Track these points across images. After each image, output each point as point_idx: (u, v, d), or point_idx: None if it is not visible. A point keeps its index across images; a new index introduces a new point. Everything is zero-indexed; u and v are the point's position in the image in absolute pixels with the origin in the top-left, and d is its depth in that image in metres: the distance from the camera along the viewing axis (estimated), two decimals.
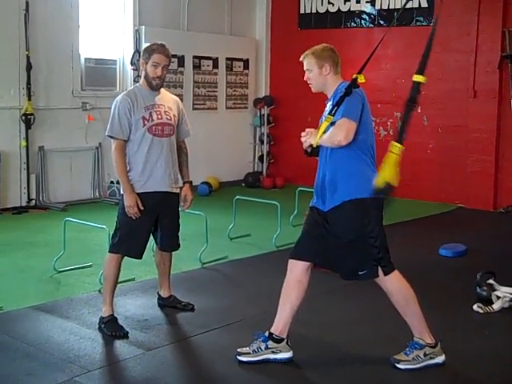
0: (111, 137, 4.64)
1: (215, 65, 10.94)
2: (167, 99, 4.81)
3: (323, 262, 4.16)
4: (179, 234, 4.97)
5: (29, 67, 8.63)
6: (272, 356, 4.12)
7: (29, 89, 8.65)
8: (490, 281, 5.38)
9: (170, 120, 4.75)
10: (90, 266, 6.10)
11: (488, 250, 7.14)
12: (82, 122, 9.34)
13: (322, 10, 11.02)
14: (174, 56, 9.32)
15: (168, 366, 4.13)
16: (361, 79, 3.90)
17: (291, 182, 10.87)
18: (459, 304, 5.30)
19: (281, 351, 4.13)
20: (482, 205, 9.47)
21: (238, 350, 4.15)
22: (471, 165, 9.69)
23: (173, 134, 4.77)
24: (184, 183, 4.93)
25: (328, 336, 4.61)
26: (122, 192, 4.68)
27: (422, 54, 4.08)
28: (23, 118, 8.68)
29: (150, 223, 4.74)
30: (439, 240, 7.21)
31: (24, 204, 8.83)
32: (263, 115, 11.52)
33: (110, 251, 4.72)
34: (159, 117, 4.69)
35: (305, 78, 4.15)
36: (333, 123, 3.90)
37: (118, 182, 8.74)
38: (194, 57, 10.59)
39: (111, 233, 4.83)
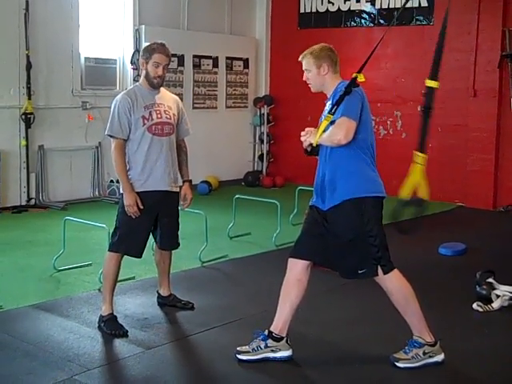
0: (111, 136, 4.64)
1: (215, 64, 10.95)
2: (167, 98, 4.82)
3: (323, 260, 4.16)
4: (179, 232, 4.97)
5: (29, 66, 8.63)
6: (271, 354, 4.12)
7: (29, 88, 8.65)
8: (490, 279, 5.39)
9: (170, 119, 4.75)
10: (89, 265, 6.11)
11: (488, 248, 7.14)
12: (82, 122, 9.34)
13: (322, 9, 11.02)
14: (174, 55, 9.32)
15: (168, 365, 4.13)
16: (361, 78, 3.90)
17: (291, 181, 10.87)
18: (459, 303, 5.31)
19: (280, 350, 4.13)
20: (482, 204, 9.47)
21: (238, 348, 4.15)
22: (471, 164, 9.69)
23: (172, 133, 4.77)
24: (184, 182, 4.93)
25: (328, 335, 4.61)
26: (121, 191, 4.69)
27: (433, 57, 4.05)
28: (23, 117, 8.68)
29: (150, 222, 4.75)
30: (439, 239, 7.21)
31: (24, 203, 8.83)
32: (263, 114, 11.52)
33: (109, 250, 4.72)
34: (159, 116, 4.69)
35: (304, 78, 4.15)
36: (332, 122, 3.90)
37: (117, 181, 8.73)
38: (194, 56, 10.59)
39: (111, 232, 4.83)
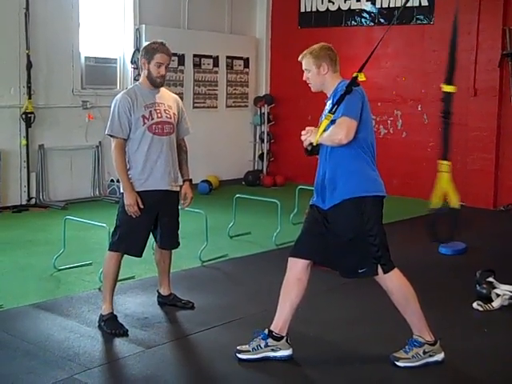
0: (111, 135, 4.64)
1: (215, 63, 10.94)
2: (167, 98, 4.82)
3: (323, 259, 4.16)
4: (179, 232, 4.97)
5: (29, 66, 8.63)
6: (272, 354, 4.12)
7: (29, 87, 8.65)
8: (490, 279, 5.39)
9: (170, 118, 4.75)
10: (89, 264, 6.11)
11: (488, 248, 7.14)
12: (82, 121, 9.34)
13: (322, 8, 11.02)
14: (175, 54, 9.32)
15: (168, 364, 4.14)
16: (361, 77, 3.90)
17: (291, 181, 10.87)
18: (459, 302, 5.31)
19: (280, 349, 4.13)
20: (482, 203, 9.47)
21: (238, 347, 4.15)
22: (471, 163, 9.68)
23: (173, 132, 4.77)
24: (184, 181, 4.93)
25: (328, 334, 4.61)
26: (121, 190, 4.69)
27: (447, 62, 4.06)
28: (23, 116, 8.68)
29: (150, 221, 4.75)
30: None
31: (24, 202, 8.83)
32: (263, 114, 11.52)
33: (109, 249, 4.72)
34: (159, 115, 4.69)
35: (304, 78, 4.15)
36: (333, 121, 3.90)
37: (118, 181, 8.73)
38: (195, 55, 10.59)
39: (111, 231, 4.83)
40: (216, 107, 11.06)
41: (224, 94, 11.16)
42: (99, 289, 5.33)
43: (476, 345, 4.47)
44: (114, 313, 4.67)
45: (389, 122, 10.42)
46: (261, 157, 11.75)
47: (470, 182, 9.67)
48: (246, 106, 11.58)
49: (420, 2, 9.94)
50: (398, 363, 4.05)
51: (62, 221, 6.03)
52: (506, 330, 4.82)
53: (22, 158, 8.81)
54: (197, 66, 10.65)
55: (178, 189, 4.87)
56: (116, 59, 9.87)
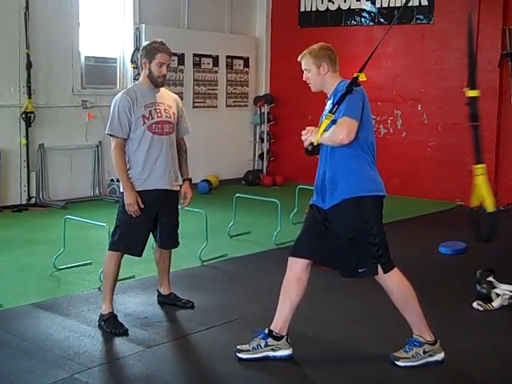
0: (111, 135, 4.64)
1: (215, 63, 10.95)
2: (166, 97, 4.82)
3: (323, 259, 4.16)
4: (179, 231, 4.97)
5: (29, 65, 8.64)
6: (272, 353, 4.12)
7: (29, 87, 8.66)
8: (490, 278, 5.39)
9: (170, 118, 4.75)
10: (89, 264, 6.11)
11: (488, 247, 7.08)
12: (82, 120, 9.35)
13: (322, 8, 11.02)
14: (175, 54, 9.30)
15: (168, 364, 4.13)
16: (362, 77, 3.89)
17: (291, 180, 10.87)
18: (459, 302, 5.31)
19: (280, 348, 4.13)
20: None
21: (238, 347, 4.15)
22: (471, 163, 9.64)
23: (172, 131, 4.77)
24: (183, 181, 4.93)
25: (328, 333, 4.61)
26: (121, 190, 4.69)
27: (467, 67, 4.08)
28: (23, 116, 8.68)
29: (150, 221, 4.75)
30: (439, 238, 7.21)
31: (24, 202, 8.84)
32: (263, 113, 11.53)
33: (109, 249, 4.72)
34: (159, 115, 4.69)
35: (303, 78, 4.15)
36: (334, 121, 3.89)
37: (117, 180, 8.72)
38: (195, 55, 10.59)
39: (111, 230, 4.83)
40: (216, 107, 11.07)
41: (224, 94, 11.16)
42: (99, 288, 5.33)
43: (476, 344, 4.47)
44: (114, 312, 4.67)
45: (389, 121, 10.43)
46: (261, 156, 11.75)
47: (469, 181, 9.62)
48: (246, 106, 11.58)
49: (420, 2, 9.95)
50: (398, 363, 4.05)
51: (62, 220, 6.03)
52: (506, 330, 4.82)
53: (22, 158, 8.81)
54: (197, 65, 10.65)
55: (177, 188, 4.87)
56: (116, 59, 9.87)
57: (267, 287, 5.30)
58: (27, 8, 8.56)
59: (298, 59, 4.13)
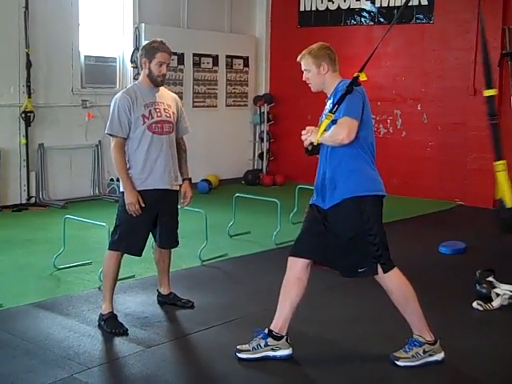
0: (111, 135, 4.64)
1: (215, 62, 10.94)
2: (166, 97, 4.82)
3: (323, 259, 4.16)
4: (178, 231, 4.97)
5: (29, 65, 8.63)
6: (271, 353, 4.12)
7: (28, 86, 8.65)
8: (490, 278, 5.39)
9: (170, 117, 4.75)
10: (89, 264, 6.11)
11: (488, 247, 7.14)
12: (82, 120, 9.34)
13: (321, 7, 11.02)
14: (174, 53, 9.29)
15: (168, 363, 4.13)
16: (363, 77, 3.89)
17: (291, 180, 10.87)
18: (459, 301, 5.31)
19: (280, 348, 4.13)
20: (482, 202, 9.46)
21: (238, 347, 4.15)
22: (471, 162, 9.68)
23: (172, 131, 4.77)
24: (183, 180, 4.93)
25: (328, 333, 4.61)
26: (121, 189, 4.69)
27: (483, 68, 4.11)
28: (23, 115, 8.68)
29: (150, 220, 4.74)
30: (439, 238, 7.21)
31: (24, 201, 8.83)
32: (263, 113, 11.52)
33: (109, 248, 4.72)
34: (159, 114, 4.69)
35: (303, 79, 4.15)
36: (334, 121, 3.89)
37: (117, 180, 8.73)
38: (194, 54, 10.59)
39: (111, 230, 4.83)
40: (216, 106, 11.06)
41: (224, 93, 11.16)
42: (99, 288, 5.33)
43: (476, 344, 4.47)
44: (114, 312, 4.67)
45: (388, 121, 10.43)
46: (260, 156, 11.75)
47: (469, 181, 9.68)
48: (246, 105, 11.58)
49: (419, 1, 9.94)
50: (398, 362, 4.05)
51: (62, 220, 6.03)
52: (506, 330, 4.82)
53: (22, 157, 8.81)
54: (196, 65, 10.65)
55: (177, 188, 4.87)
56: (115, 58, 9.87)
57: (267, 287, 5.30)
58: (27, 7, 8.55)
59: (298, 60, 4.12)
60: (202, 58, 10.73)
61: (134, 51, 9.67)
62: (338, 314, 5.01)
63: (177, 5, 10.44)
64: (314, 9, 11.11)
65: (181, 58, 10.32)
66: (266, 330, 4.16)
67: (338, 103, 3.87)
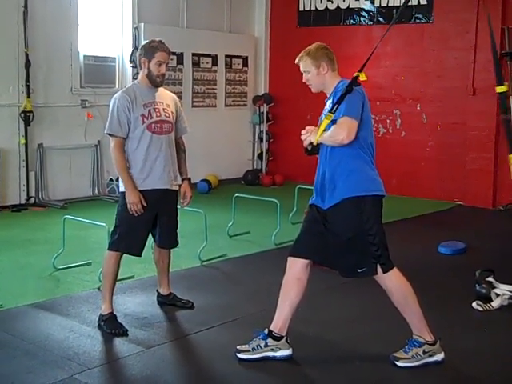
0: (110, 134, 4.63)
1: (214, 62, 10.94)
2: (165, 96, 4.81)
3: (322, 259, 4.16)
4: (178, 231, 4.97)
5: (28, 64, 8.63)
6: (271, 354, 4.12)
7: (28, 86, 8.65)
8: (490, 278, 5.38)
9: (169, 117, 4.75)
10: (89, 264, 6.10)
11: (487, 247, 7.14)
12: (81, 120, 9.34)
13: (321, 7, 11.02)
14: (173, 53, 9.29)
15: (167, 364, 4.13)
16: (362, 77, 3.89)
17: (290, 180, 10.87)
18: (458, 302, 5.31)
19: (280, 349, 4.13)
20: (481, 202, 9.47)
21: (238, 347, 4.15)
22: (470, 162, 9.69)
23: (171, 131, 4.77)
24: (183, 180, 4.93)
25: (327, 333, 4.61)
26: (121, 189, 4.68)
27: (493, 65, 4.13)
28: (22, 115, 8.67)
29: (150, 220, 4.74)
30: (438, 238, 7.21)
31: (23, 201, 8.82)
32: (262, 113, 11.52)
33: (109, 249, 4.71)
34: (158, 114, 4.69)
35: (303, 80, 4.14)
36: (334, 121, 3.89)
37: (117, 180, 8.72)
38: (193, 54, 10.58)
39: (111, 230, 4.83)
40: (215, 106, 11.06)
41: (223, 93, 11.15)
42: (99, 288, 5.33)
43: (476, 344, 4.47)
44: (114, 312, 4.66)
45: (388, 121, 10.43)
46: (260, 156, 11.74)
47: (468, 181, 9.68)
48: (245, 105, 11.58)
49: (419, 1, 9.94)
50: (397, 363, 4.05)
51: (62, 220, 6.02)
52: (506, 330, 4.82)
53: (21, 157, 8.80)
54: (195, 64, 10.64)
55: (177, 188, 4.87)
56: (115, 58, 9.87)
57: (267, 287, 5.29)
58: (26, 7, 8.54)
59: (296, 61, 4.11)
60: (201, 58, 10.73)
61: (133, 51, 9.65)
62: (337, 314, 5.01)
63: (176, 4, 10.44)
64: (313, 8, 11.11)
65: (180, 58, 10.32)
66: (266, 331, 4.15)
67: (337, 103, 3.87)
